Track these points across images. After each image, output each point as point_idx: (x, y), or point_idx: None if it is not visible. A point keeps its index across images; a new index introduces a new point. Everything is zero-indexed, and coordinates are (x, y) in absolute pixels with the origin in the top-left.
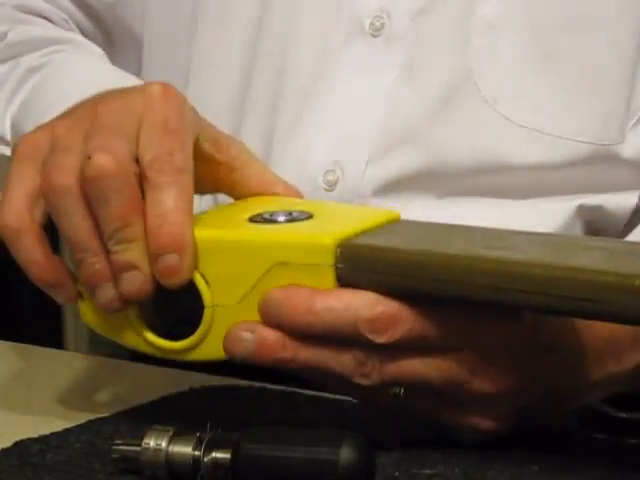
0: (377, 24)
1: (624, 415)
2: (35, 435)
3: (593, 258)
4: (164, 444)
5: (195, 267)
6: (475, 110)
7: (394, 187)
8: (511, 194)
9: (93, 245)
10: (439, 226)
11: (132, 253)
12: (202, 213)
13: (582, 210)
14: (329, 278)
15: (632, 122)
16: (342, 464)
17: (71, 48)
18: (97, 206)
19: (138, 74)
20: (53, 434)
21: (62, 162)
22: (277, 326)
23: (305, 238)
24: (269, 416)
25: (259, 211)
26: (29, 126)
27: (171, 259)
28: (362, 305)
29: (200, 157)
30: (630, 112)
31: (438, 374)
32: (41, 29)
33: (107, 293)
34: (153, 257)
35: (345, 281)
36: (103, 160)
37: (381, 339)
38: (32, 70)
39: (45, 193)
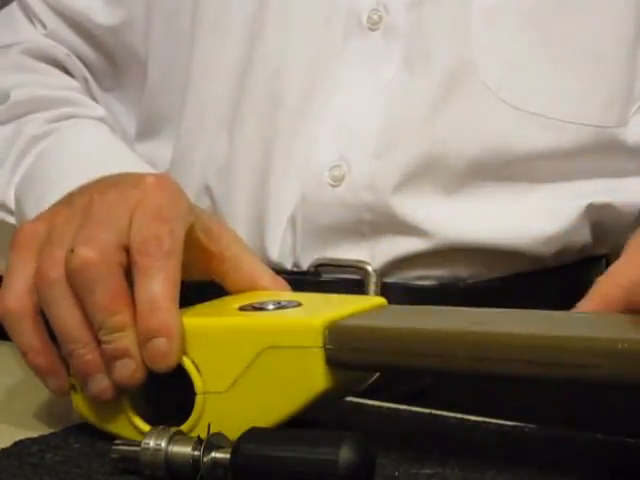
0: (374, 17)
1: None
2: (35, 435)
3: (576, 327)
4: (164, 444)
5: (185, 353)
6: (478, 98)
7: (401, 180)
8: (517, 182)
9: (82, 335)
10: (425, 308)
11: (124, 341)
12: (193, 306)
13: (591, 209)
14: (318, 360)
15: (636, 106)
16: (342, 464)
17: (74, 113)
18: (83, 297)
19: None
20: (52, 434)
21: (53, 254)
22: None
23: (293, 322)
24: None
25: (248, 302)
26: (29, 204)
27: (160, 343)
28: None
29: (193, 246)
30: (633, 95)
31: None
32: (44, 88)
33: (99, 383)
34: (142, 342)
35: (334, 362)
36: (85, 252)
37: None
38: (35, 139)
39: (37, 284)
